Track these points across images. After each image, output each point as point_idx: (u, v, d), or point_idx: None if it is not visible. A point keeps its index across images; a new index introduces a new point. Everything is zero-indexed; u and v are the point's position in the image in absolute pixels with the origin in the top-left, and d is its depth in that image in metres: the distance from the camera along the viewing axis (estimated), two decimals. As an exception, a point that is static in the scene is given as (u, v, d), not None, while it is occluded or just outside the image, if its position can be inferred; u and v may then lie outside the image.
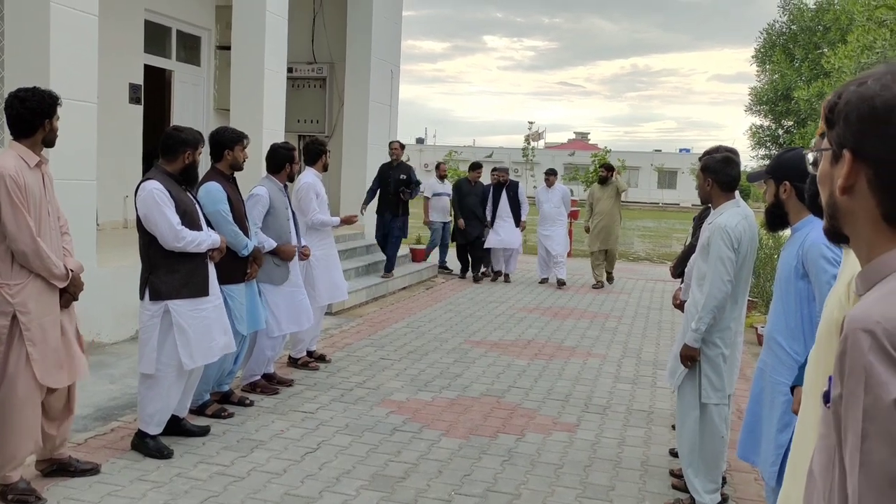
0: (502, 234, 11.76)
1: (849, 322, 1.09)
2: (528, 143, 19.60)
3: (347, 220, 6.75)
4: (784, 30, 16.43)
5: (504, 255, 12.08)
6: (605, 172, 11.85)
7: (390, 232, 10.30)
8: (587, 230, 11.85)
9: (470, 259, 12.11)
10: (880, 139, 1.13)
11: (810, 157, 1.31)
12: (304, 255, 5.93)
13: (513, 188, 11.96)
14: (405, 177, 10.25)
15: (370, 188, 10.50)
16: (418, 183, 10.45)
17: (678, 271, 5.56)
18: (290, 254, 5.63)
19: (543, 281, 12.07)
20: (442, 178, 12.62)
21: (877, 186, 1.15)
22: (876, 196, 1.15)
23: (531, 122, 20.44)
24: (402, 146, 10.66)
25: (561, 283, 11.77)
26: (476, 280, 11.98)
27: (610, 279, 12.18)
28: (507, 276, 12.13)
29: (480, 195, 11.81)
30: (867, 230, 1.18)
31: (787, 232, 3.14)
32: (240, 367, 5.51)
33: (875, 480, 1.02)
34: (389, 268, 10.34)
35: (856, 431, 1.05)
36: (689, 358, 3.92)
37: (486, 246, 11.85)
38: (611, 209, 11.55)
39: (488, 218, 11.86)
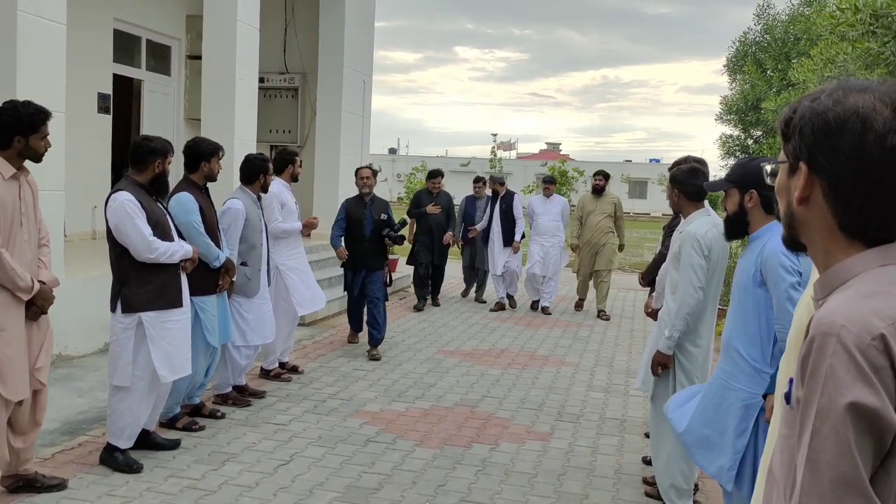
0: (494, 256, 10.20)
1: (814, 325, 1.12)
2: (494, 154, 19.63)
3: (309, 225, 6.64)
4: (758, 39, 16.67)
5: (505, 280, 10.33)
6: (600, 180, 9.91)
7: (370, 293, 7.28)
8: (574, 249, 10.19)
9: (430, 285, 10.23)
10: (833, 152, 1.17)
11: (768, 168, 1.35)
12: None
13: (506, 200, 10.21)
14: (385, 216, 7.35)
15: (337, 223, 7.38)
16: (403, 222, 7.63)
17: (648, 280, 5.62)
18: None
19: (535, 305, 10.36)
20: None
21: (831, 197, 1.19)
22: (831, 207, 1.19)
23: (494, 134, 20.44)
24: (375, 172, 7.72)
25: (545, 311, 10.15)
26: (435, 304, 10.38)
27: (602, 315, 9.98)
28: (509, 298, 10.43)
29: (445, 207, 10.01)
30: (824, 239, 1.22)
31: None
32: (210, 378, 5.46)
33: (819, 478, 1.06)
34: (375, 343, 7.32)
35: (808, 429, 1.08)
36: (661, 364, 3.96)
37: (495, 272, 10.19)
38: (601, 224, 9.81)
39: (480, 235, 10.35)
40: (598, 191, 9.92)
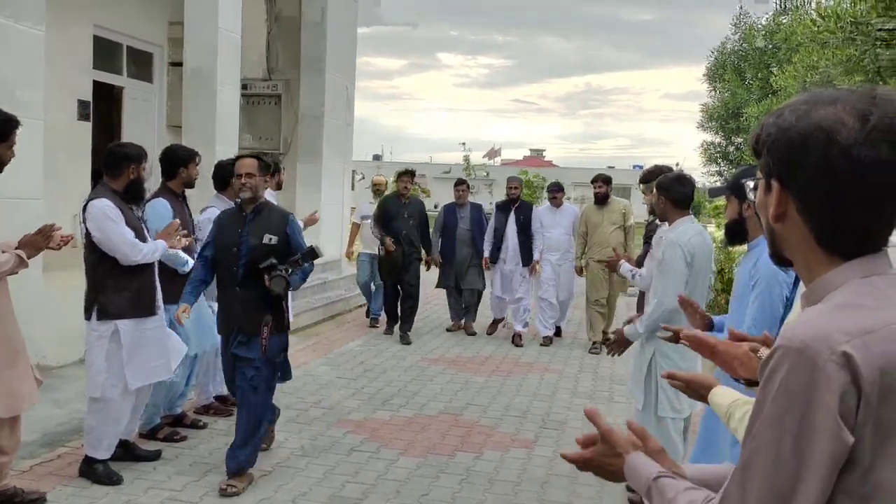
0: (507, 278, 8.69)
1: (780, 335, 1.14)
2: (467, 163, 19.72)
3: (310, 221, 6.56)
4: (736, 48, 16.81)
5: (513, 306, 8.90)
6: (600, 187, 8.33)
7: (240, 385, 4.38)
8: (580, 272, 8.49)
9: (399, 307, 8.60)
10: (799, 169, 1.16)
11: (750, 184, 1.34)
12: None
13: (522, 211, 8.67)
14: (271, 239, 4.31)
15: (205, 246, 4.65)
16: (313, 253, 4.30)
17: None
18: None
19: (547, 341, 8.64)
20: (378, 194, 9.38)
21: (805, 213, 1.18)
22: (806, 222, 1.19)
23: (463, 143, 20.46)
24: (268, 165, 4.75)
25: (547, 340, 8.63)
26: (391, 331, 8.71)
27: (605, 341, 7.84)
28: (516, 335, 8.64)
29: (417, 216, 8.55)
30: (804, 254, 1.22)
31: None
32: (191, 388, 5.40)
33: (747, 483, 1.09)
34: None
35: (750, 432, 1.10)
36: (618, 343, 4.11)
37: (495, 294, 8.83)
38: (610, 237, 8.11)
39: (486, 252, 8.72)
40: (600, 199, 8.33)
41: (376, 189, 9.35)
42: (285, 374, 4.66)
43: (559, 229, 8.68)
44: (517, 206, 8.69)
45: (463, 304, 9.04)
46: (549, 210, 8.87)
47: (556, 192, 8.88)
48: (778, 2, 16.38)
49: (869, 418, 1.05)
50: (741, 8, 17.65)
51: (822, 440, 1.04)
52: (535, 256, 8.56)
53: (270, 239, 4.30)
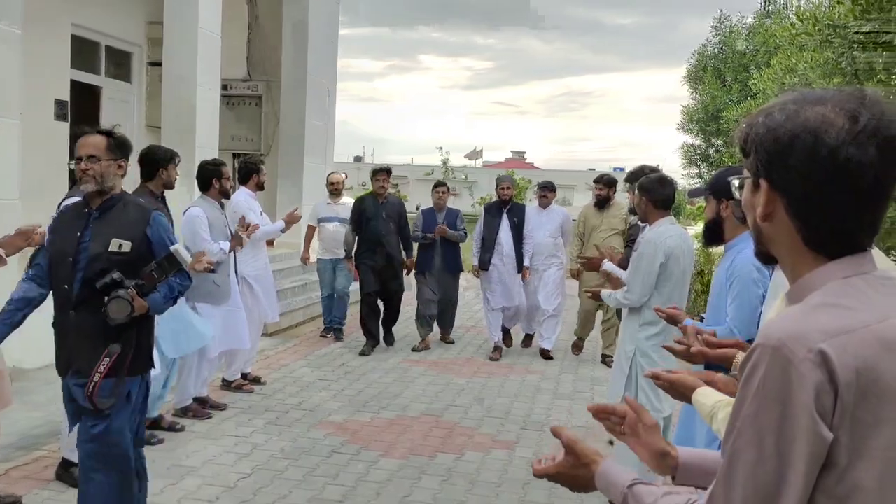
0: (503, 285, 7.91)
1: (759, 334, 1.14)
2: (445, 166, 19.83)
3: (291, 219, 6.49)
4: (716, 51, 16.93)
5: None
6: (602, 190, 7.77)
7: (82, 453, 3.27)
8: (575, 275, 7.71)
9: (381, 324, 8.01)
10: (788, 169, 1.16)
11: (735, 182, 1.34)
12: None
13: (515, 213, 7.97)
14: (122, 245, 3.20)
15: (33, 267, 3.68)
16: (166, 263, 3.21)
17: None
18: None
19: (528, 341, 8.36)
20: (336, 194, 8.38)
21: (793, 213, 1.18)
22: (794, 222, 1.18)
23: (440, 147, 20.64)
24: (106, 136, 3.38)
25: (545, 355, 7.98)
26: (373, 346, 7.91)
27: (607, 360, 7.55)
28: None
29: (396, 217, 7.86)
30: (790, 253, 1.22)
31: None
32: (169, 391, 5.35)
33: (732, 482, 1.09)
34: None
35: (732, 431, 1.11)
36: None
37: (489, 308, 7.98)
38: (608, 242, 7.20)
39: (475, 258, 8.02)
40: (600, 203, 7.77)
41: (333, 189, 8.38)
42: (138, 465, 3.35)
43: (544, 232, 8.02)
44: (509, 208, 7.98)
45: (430, 312, 8.18)
46: (536, 211, 8.20)
47: (547, 191, 8.21)
48: (762, 3, 16.60)
49: (845, 418, 1.05)
50: (721, 11, 17.82)
51: (801, 437, 1.04)
52: (526, 262, 7.89)
53: (120, 245, 3.17)
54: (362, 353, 7.73)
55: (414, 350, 8.00)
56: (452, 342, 8.50)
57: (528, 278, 8.00)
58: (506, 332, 8.26)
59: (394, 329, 8.29)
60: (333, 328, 8.47)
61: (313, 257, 8.51)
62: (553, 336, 8.08)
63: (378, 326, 7.98)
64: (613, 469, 1.39)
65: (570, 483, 1.47)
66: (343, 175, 8.66)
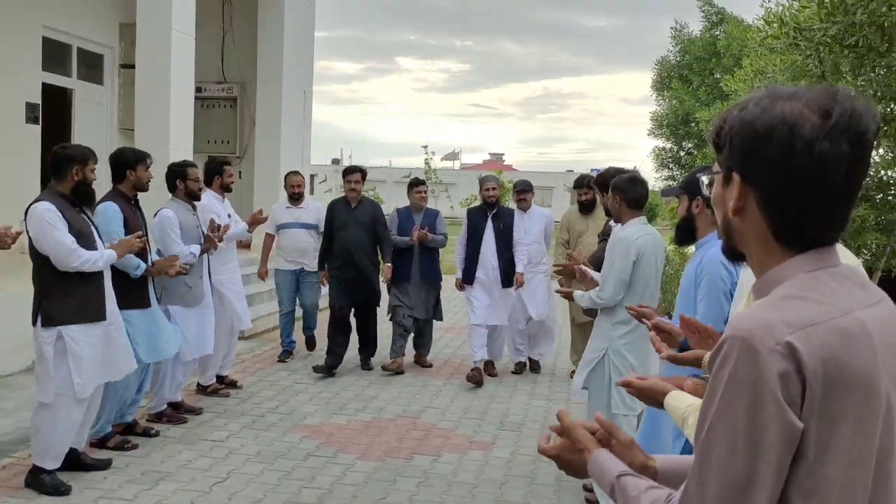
0: (490, 299, 7.03)
1: (727, 327, 1.15)
2: (429, 165, 19.77)
3: (255, 221, 6.44)
4: (678, 60, 17.00)
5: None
6: (588, 193, 6.91)
7: None
8: (561, 283, 5.93)
9: (358, 351, 7.32)
10: (763, 162, 1.17)
11: (705, 179, 1.35)
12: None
13: (501, 218, 7.08)
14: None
15: None
16: None
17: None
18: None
19: (520, 368, 7.45)
20: (296, 198, 7.52)
21: (765, 207, 1.19)
22: (765, 216, 1.20)
23: (425, 146, 20.34)
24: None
25: (535, 368, 7.50)
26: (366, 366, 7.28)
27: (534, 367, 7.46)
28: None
29: (370, 223, 7.00)
30: (758, 247, 1.23)
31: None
32: (143, 396, 5.30)
33: (706, 475, 1.10)
34: None
35: (703, 425, 1.12)
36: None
37: (473, 322, 6.99)
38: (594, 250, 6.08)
39: (459, 268, 7.20)
40: (585, 207, 7.02)
41: (293, 192, 7.52)
42: None
43: (529, 237, 7.19)
44: (495, 212, 7.08)
45: (405, 332, 7.31)
46: (517, 215, 7.23)
47: (525, 192, 7.34)
48: (704, 18, 16.80)
49: (814, 409, 1.07)
50: (677, 20, 17.88)
51: (772, 426, 1.06)
52: (519, 269, 6.95)
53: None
54: (316, 370, 6.86)
55: (384, 369, 7.15)
56: (430, 366, 7.52)
57: (522, 285, 7.03)
58: (489, 363, 7.35)
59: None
60: (289, 349, 7.56)
61: (273, 268, 7.68)
62: (546, 351, 7.64)
63: (345, 344, 7.08)
64: (606, 458, 1.41)
65: (567, 466, 1.49)
66: (302, 177, 7.84)
